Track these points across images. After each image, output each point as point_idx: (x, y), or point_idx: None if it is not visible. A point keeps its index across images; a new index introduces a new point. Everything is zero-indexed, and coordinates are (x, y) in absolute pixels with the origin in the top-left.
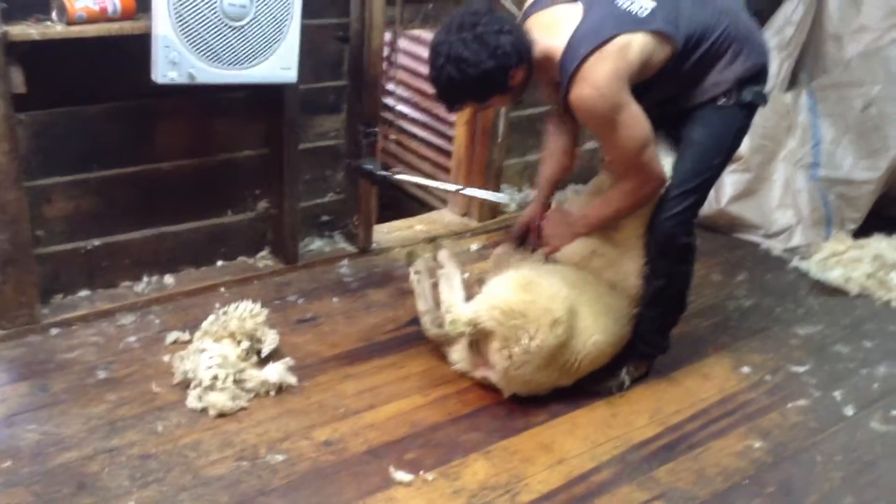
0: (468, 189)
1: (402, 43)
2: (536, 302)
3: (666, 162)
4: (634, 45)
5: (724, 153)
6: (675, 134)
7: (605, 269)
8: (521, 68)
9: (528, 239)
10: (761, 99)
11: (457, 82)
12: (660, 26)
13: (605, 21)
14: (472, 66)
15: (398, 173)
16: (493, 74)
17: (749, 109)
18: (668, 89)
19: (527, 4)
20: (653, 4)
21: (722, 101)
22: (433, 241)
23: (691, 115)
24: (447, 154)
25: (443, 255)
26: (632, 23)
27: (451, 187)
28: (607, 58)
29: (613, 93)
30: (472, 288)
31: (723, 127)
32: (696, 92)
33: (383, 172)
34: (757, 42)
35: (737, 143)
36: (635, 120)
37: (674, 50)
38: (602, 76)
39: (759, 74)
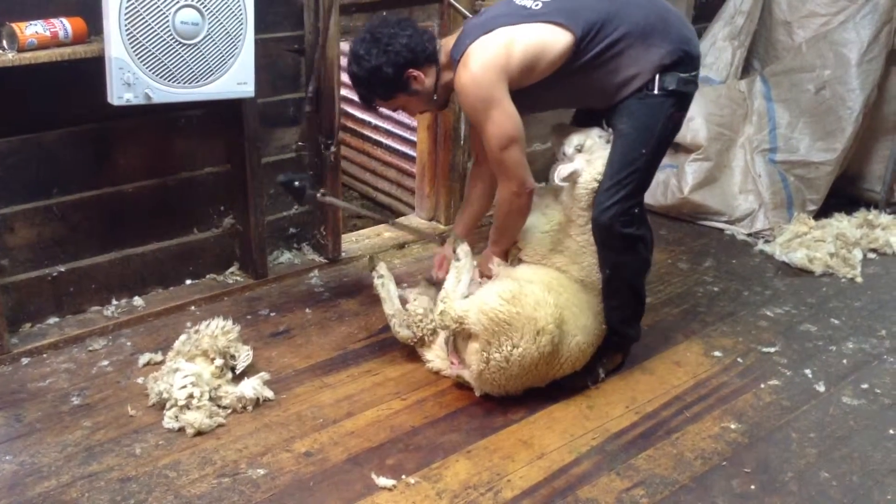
0: (396, 223)
1: None
2: (522, 313)
3: (602, 154)
4: (521, 38)
5: (652, 143)
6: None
7: (568, 265)
8: (422, 69)
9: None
10: (685, 86)
11: (357, 78)
12: (552, 17)
13: (496, 16)
14: (365, 61)
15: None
16: (382, 70)
17: (678, 97)
18: (583, 85)
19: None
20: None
21: (645, 92)
22: (402, 247)
23: (619, 107)
24: (411, 159)
25: (462, 249)
26: (523, 16)
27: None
28: (488, 47)
29: (488, 83)
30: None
31: (648, 116)
32: (616, 86)
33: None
34: (674, 29)
35: (667, 131)
36: (505, 117)
37: (574, 39)
38: (479, 64)
39: (680, 62)
